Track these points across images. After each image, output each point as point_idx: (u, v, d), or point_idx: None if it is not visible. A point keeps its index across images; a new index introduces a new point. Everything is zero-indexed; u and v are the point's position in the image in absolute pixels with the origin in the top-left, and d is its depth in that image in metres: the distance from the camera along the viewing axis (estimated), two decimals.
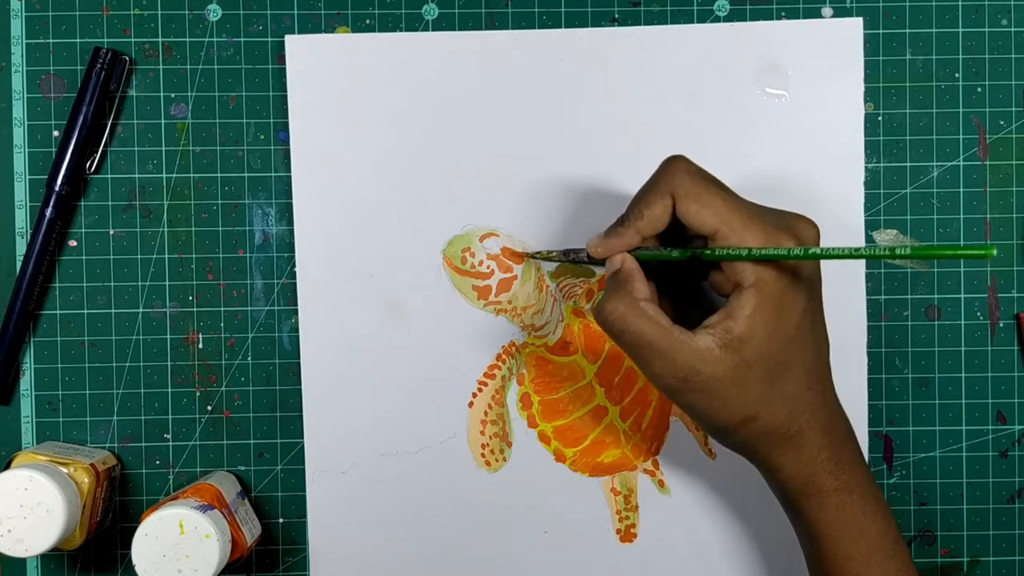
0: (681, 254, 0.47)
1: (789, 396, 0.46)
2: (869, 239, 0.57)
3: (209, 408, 0.58)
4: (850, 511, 0.48)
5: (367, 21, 0.57)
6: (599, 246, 0.49)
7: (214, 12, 0.57)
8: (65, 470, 0.52)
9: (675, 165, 0.47)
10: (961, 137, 0.58)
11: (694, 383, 0.45)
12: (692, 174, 0.47)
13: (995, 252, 0.42)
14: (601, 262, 0.50)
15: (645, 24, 0.57)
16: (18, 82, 0.57)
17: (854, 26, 0.57)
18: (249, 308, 0.57)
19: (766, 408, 0.46)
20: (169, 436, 0.58)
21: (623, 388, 0.58)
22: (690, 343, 0.45)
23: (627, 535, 0.58)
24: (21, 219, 0.57)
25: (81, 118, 0.56)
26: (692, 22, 0.57)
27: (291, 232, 0.57)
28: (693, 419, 0.48)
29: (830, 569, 0.48)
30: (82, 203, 0.57)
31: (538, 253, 0.56)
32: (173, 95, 0.57)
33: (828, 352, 0.49)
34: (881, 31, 0.57)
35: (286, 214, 0.57)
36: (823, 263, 0.48)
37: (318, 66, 0.56)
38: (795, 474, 0.48)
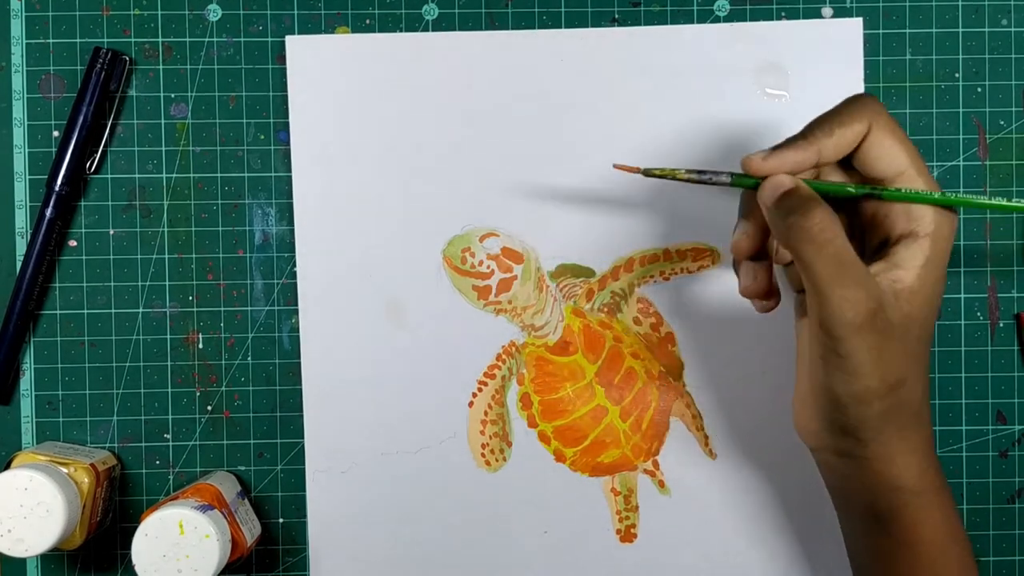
0: (863, 191, 0.44)
1: (926, 366, 0.43)
2: None
3: (209, 408, 0.58)
4: (953, 511, 0.44)
5: (367, 21, 0.57)
6: (769, 158, 0.43)
7: (214, 12, 0.57)
8: (65, 470, 0.52)
9: (872, 99, 0.44)
10: (961, 137, 0.58)
11: (878, 321, 0.41)
12: (886, 113, 0.44)
13: None
14: (747, 185, 0.45)
15: (645, 24, 0.57)
16: (18, 82, 0.57)
17: (854, 26, 0.57)
18: (249, 308, 0.57)
19: (913, 374, 0.42)
20: (169, 436, 0.58)
21: (623, 388, 0.58)
22: (875, 279, 0.41)
23: (627, 535, 0.58)
24: (21, 219, 0.57)
25: (81, 118, 0.56)
26: (692, 22, 0.57)
27: (291, 232, 0.57)
28: (836, 382, 0.42)
29: None
30: (82, 203, 0.57)
31: (658, 170, 0.47)
32: (173, 95, 0.57)
33: None
34: (881, 31, 0.57)
35: (286, 214, 0.57)
36: None
37: (318, 66, 0.56)
38: (911, 465, 0.43)
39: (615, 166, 0.48)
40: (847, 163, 0.45)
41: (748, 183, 0.45)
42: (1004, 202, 0.45)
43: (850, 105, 0.44)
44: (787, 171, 0.44)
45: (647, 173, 0.47)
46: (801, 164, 0.44)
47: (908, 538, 0.44)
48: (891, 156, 0.43)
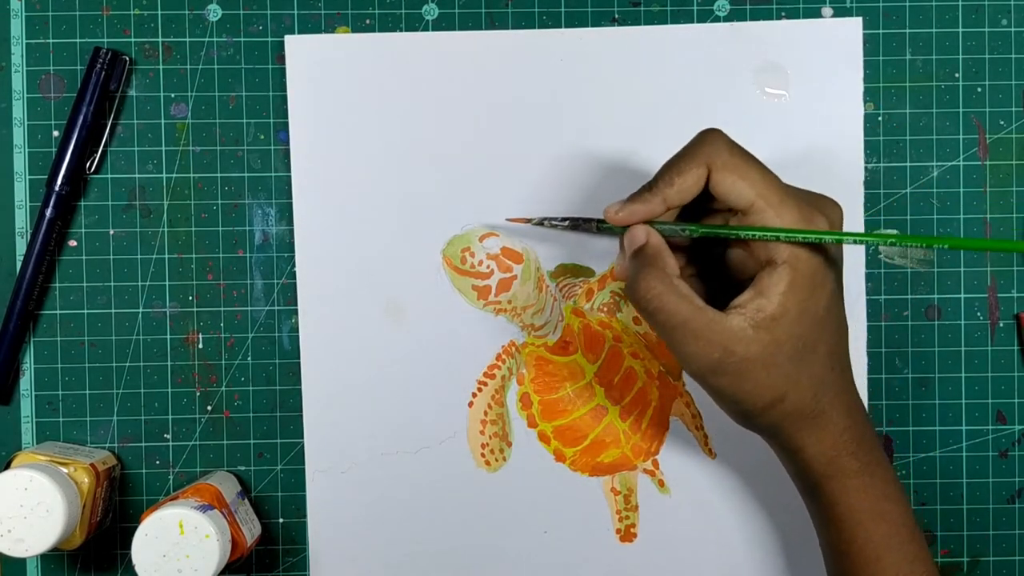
0: (699, 230, 0.46)
1: (815, 377, 0.46)
2: None
3: (209, 408, 0.58)
4: (871, 493, 0.47)
5: (367, 21, 0.57)
6: (620, 211, 0.47)
7: (214, 12, 0.57)
8: (65, 470, 0.52)
9: (713, 136, 0.46)
10: (961, 137, 0.58)
11: (727, 364, 0.45)
12: (730, 146, 0.46)
13: None
14: (613, 233, 0.49)
15: (645, 24, 0.57)
16: (18, 82, 0.57)
17: (854, 26, 0.57)
18: (249, 308, 0.57)
19: (794, 389, 0.45)
20: (169, 436, 0.58)
21: (623, 388, 0.58)
22: (723, 323, 0.44)
23: (627, 535, 0.58)
24: (21, 219, 0.57)
25: (81, 118, 0.56)
26: (692, 22, 0.57)
27: (291, 232, 0.57)
28: (720, 403, 0.47)
29: (849, 552, 0.48)
30: (82, 203, 0.57)
31: (543, 220, 0.54)
32: (173, 95, 0.57)
33: (848, 336, 0.48)
34: (881, 31, 0.57)
35: (286, 214, 0.57)
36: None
37: (318, 66, 0.56)
38: (818, 455, 0.47)
39: (510, 219, 0.56)
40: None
41: (615, 230, 0.48)
42: (838, 234, 0.45)
43: (690, 149, 0.46)
44: (640, 220, 0.47)
45: (537, 223, 0.54)
46: (650, 214, 0.47)
47: (829, 514, 0.48)
48: (736, 192, 0.45)
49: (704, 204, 0.47)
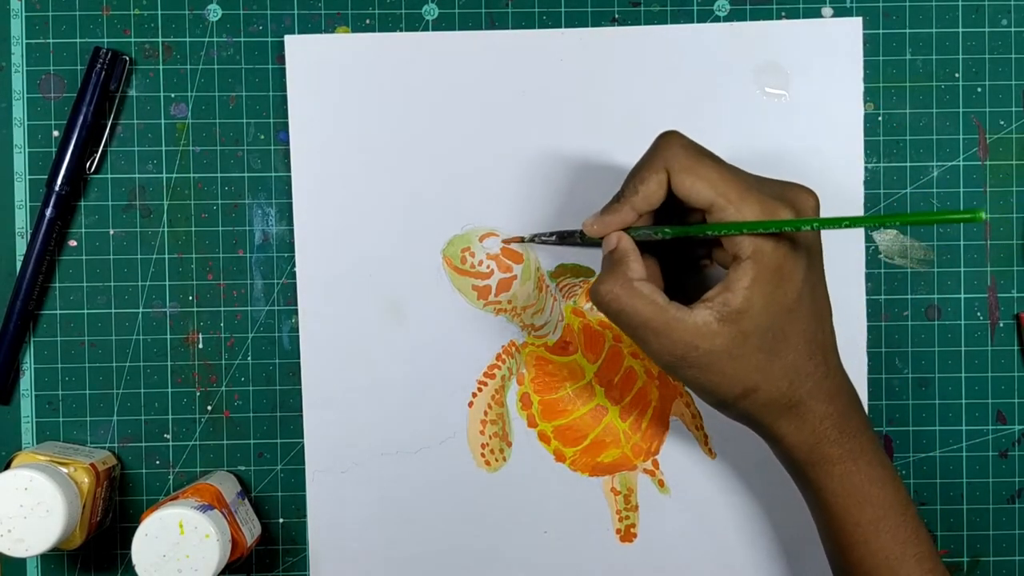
0: (673, 231, 0.47)
1: (789, 366, 0.46)
2: (869, 239, 0.57)
3: (209, 408, 0.58)
4: (855, 479, 0.48)
5: (367, 21, 0.57)
6: (595, 224, 0.49)
7: (214, 12, 0.57)
8: (65, 470, 0.52)
9: (668, 139, 0.47)
10: (961, 137, 0.58)
11: (691, 359, 0.46)
12: (686, 147, 0.47)
13: (984, 216, 0.43)
14: (597, 243, 0.50)
15: (645, 24, 0.57)
16: (18, 82, 0.57)
17: (854, 26, 0.57)
18: (249, 308, 0.57)
19: (766, 379, 0.46)
20: (169, 436, 0.58)
21: (623, 388, 0.58)
22: (686, 319, 0.45)
23: (627, 535, 0.58)
24: (21, 219, 0.57)
25: (81, 118, 0.56)
26: (692, 22, 0.57)
27: (291, 232, 0.57)
28: (695, 393, 0.49)
29: (838, 536, 0.49)
30: (82, 203, 0.57)
31: (534, 237, 0.56)
32: (173, 95, 0.57)
33: (831, 321, 0.49)
34: (881, 31, 0.57)
35: (286, 214, 0.57)
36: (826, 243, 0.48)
37: (318, 66, 0.56)
38: (799, 443, 0.48)
39: (503, 240, 0.57)
40: None
41: (597, 240, 0.50)
42: (795, 222, 0.45)
43: (649, 156, 0.47)
44: (613, 230, 0.48)
45: (528, 240, 0.56)
46: (623, 223, 0.48)
47: (815, 498, 0.49)
48: (696, 192, 0.46)
49: (683, 205, 0.48)
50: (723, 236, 0.46)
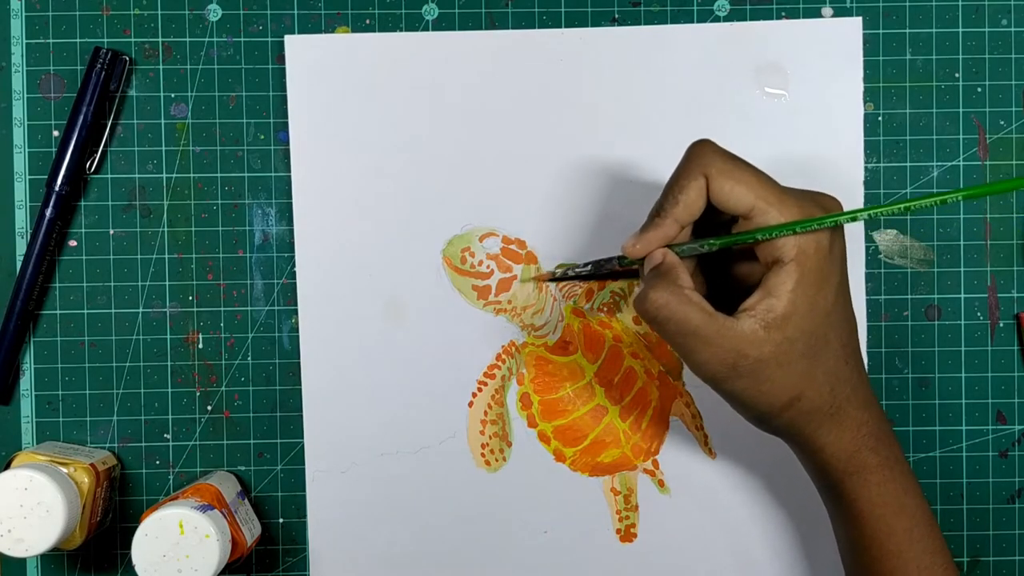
0: (719, 242, 0.46)
1: (831, 372, 0.46)
2: (869, 239, 0.57)
3: (209, 408, 0.58)
4: (892, 487, 0.47)
5: (367, 21, 0.57)
6: (637, 243, 0.47)
7: (214, 12, 0.57)
8: (65, 470, 0.52)
9: (702, 147, 0.46)
10: (961, 137, 0.58)
11: (741, 368, 0.45)
12: (720, 153, 0.46)
13: None
14: (635, 272, 0.49)
15: (645, 24, 0.57)
16: (18, 82, 0.57)
17: (854, 26, 0.57)
18: (249, 308, 0.57)
19: (810, 386, 0.46)
20: (169, 436, 0.58)
21: (623, 388, 0.58)
22: (734, 327, 0.45)
23: (627, 535, 0.58)
24: (21, 219, 0.57)
25: (81, 118, 0.56)
26: (692, 22, 0.57)
27: (291, 232, 0.57)
28: (737, 408, 0.48)
29: (871, 547, 0.48)
30: (82, 203, 0.57)
31: (566, 272, 0.55)
32: (173, 95, 0.57)
33: (857, 329, 0.48)
34: (881, 31, 0.57)
35: (286, 214, 0.57)
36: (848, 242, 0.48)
37: (318, 66, 0.56)
38: (839, 451, 0.47)
39: (533, 278, 0.57)
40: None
41: (637, 263, 0.48)
42: (845, 216, 0.45)
43: (685, 164, 0.46)
44: (657, 247, 0.47)
45: (556, 278, 0.56)
46: (666, 238, 0.47)
47: (850, 510, 0.48)
48: (735, 197, 0.45)
49: (710, 220, 0.47)
50: (762, 242, 0.45)
